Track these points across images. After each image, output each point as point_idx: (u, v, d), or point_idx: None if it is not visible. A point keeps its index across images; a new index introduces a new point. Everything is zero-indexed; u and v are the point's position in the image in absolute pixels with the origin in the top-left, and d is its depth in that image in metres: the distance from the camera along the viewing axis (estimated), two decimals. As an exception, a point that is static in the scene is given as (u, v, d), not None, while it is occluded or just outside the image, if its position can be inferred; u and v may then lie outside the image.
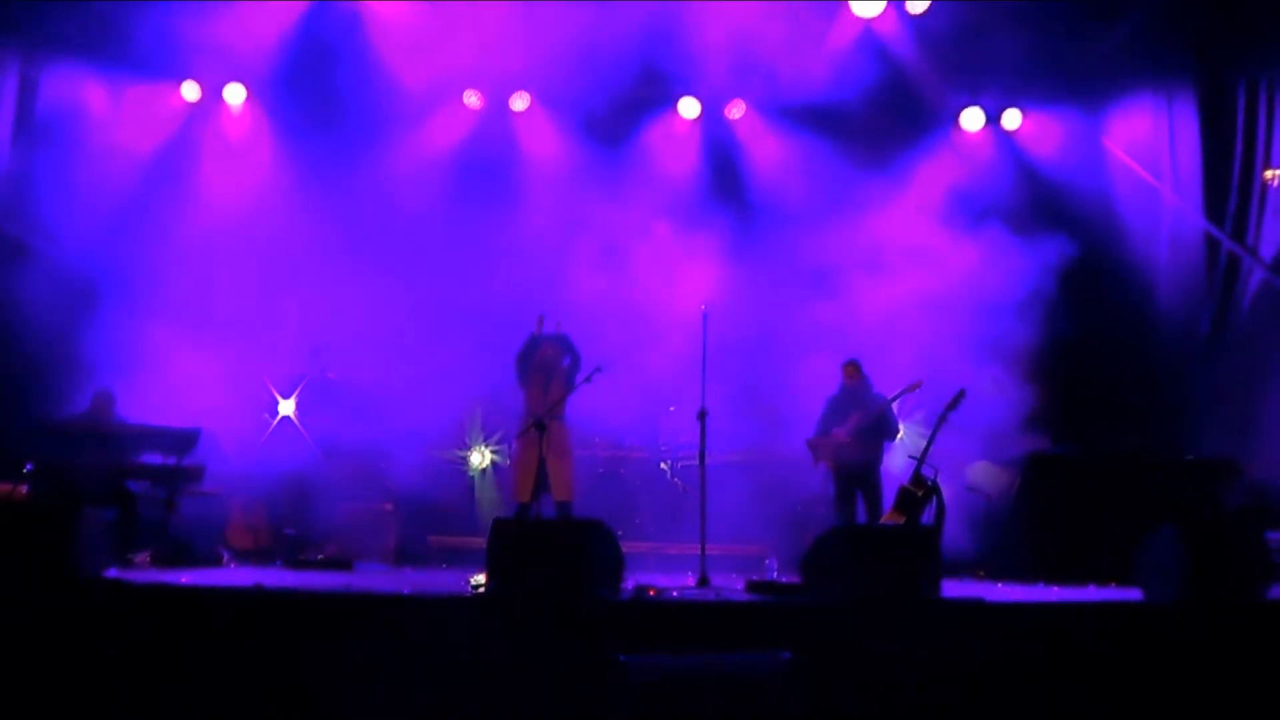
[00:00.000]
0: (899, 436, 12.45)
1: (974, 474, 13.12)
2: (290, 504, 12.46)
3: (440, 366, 13.48)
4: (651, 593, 8.95)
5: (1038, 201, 14.14)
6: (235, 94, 14.55)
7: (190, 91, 14.40)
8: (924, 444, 11.42)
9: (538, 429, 10.74)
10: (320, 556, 12.01)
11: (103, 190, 13.58)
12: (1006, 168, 14.60)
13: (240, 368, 13.02)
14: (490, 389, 13.44)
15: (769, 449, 13.60)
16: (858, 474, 12.09)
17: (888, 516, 11.26)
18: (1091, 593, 10.28)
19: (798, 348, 13.42)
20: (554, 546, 8.51)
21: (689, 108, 14.87)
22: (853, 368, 12.38)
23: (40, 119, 13.60)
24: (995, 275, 13.57)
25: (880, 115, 14.64)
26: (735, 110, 15.00)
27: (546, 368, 11.63)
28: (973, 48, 13.97)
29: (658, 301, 13.71)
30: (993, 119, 14.71)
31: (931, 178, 14.49)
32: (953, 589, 9.11)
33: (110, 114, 13.96)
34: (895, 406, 12.18)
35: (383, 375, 13.26)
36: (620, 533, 9.08)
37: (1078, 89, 14.25)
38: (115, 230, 13.53)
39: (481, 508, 13.88)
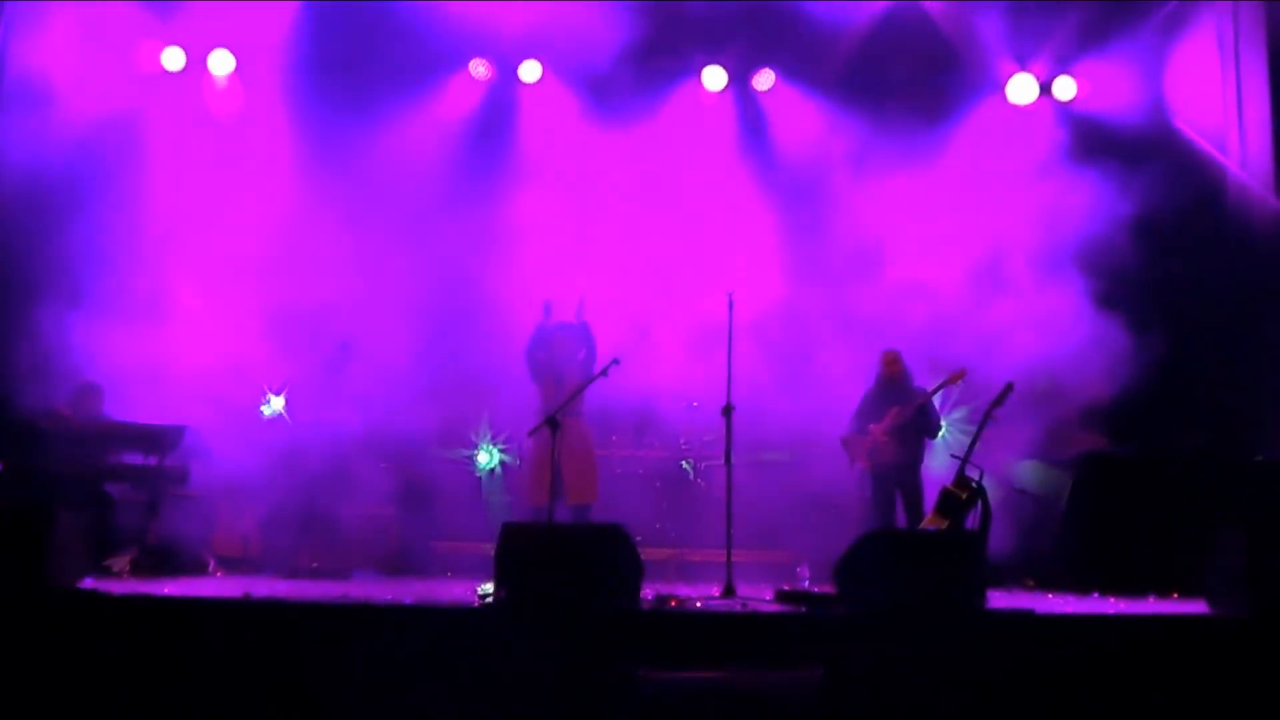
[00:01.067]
0: (941, 434, 12.40)
1: (1023, 474, 13.06)
2: (283, 508, 12.44)
3: (446, 358, 13.47)
4: (673, 603, 8.92)
5: (1091, 178, 13.98)
6: (221, 62, 14.44)
7: (173, 60, 14.30)
8: (968, 442, 11.37)
9: (550, 427, 10.71)
10: (315, 564, 11.98)
11: (74, 155, 13.42)
12: (1058, 139, 14.43)
13: (228, 360, 12.97)
14: (500, 382, 13.41)
15: (800, 447, 13.54)
16: (896, 474, 12.06)
17: (929, 520, 11.22)
18: (1151, 605, 10.20)
19: (832, 337, 13.35)
20: (568, 553, 8.48)
21: (714, 78, 14.76)
22: (892, 358, 12.33)
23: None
24: (1046, 259, 13.48)
25: (922, 85, 14.56)
26: (764, 80, 14.91)
27: (560, 361, 11.64)
28: (1022, 8, 13.89)
29: (680, 287, 13.66)
30: (1044, 87, 14.56)
31: (978, 151, 14.33)
32: (1000, 600, 9.08)
33: (86, 66, 13.76)
34: (936, 400, 12.12)
35: (383, 367, 13.22)
36: (639, 538, 9.04)
37: (1136, 48, 14.09)
38: (84, 207, 13.37)
39: (490, 511, 13.84)
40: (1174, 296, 13.53)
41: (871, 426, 12.16)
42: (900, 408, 12.03)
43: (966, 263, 13.63)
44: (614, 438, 13.94)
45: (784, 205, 14.46)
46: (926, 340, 13.05)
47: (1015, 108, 14.59)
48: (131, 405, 12.12)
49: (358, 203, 13.89)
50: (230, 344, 13.00)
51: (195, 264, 13.44)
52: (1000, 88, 14.58)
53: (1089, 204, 13.51)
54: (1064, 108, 14.57)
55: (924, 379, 12.32)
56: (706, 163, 14.60)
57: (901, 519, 12.05)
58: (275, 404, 12.90)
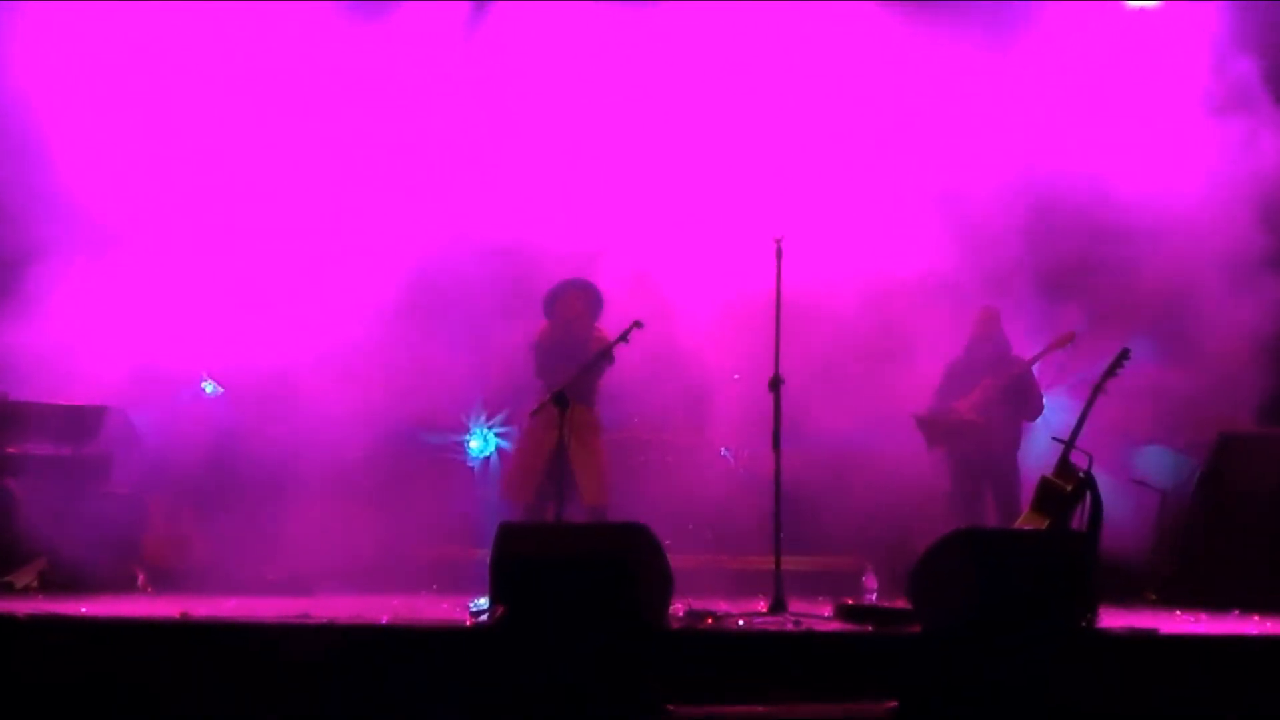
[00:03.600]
0: (1042, 412, 12.35)
1: (1143, 461, 13.03)
2: (228, 506, 12.47)
3: (433, 323, 13.47)
4: (709, 621, 8.94)
5: (1236, 93, 13.80)
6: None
7: None
8: (1074, 421, 11.31)
9: (557, 404, 10.66)
10: (269, 575, 12.02)
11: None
12: (1196, 44, 14.19)
13: (162, 323, 12.97)
14: (497, 351, 13.42)
15: (867, 428, 13.53)
16: (986, 462, 12.04)
17: (1025, 519, 11.17)
18: (1305, 623, 10.19)
19: (908, 291, 13.28)
20: (580, 560, 8.48)
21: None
22: (986, 317, 12.27)
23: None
24: (1176, 200, 13.35)
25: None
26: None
27: (574, 338, 11.61)
28: None
29: (717, 233, 13.61)
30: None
31: (1093, 58, 14.12)
32: (1114, 618, 9.05)
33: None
34: (1037, 370, 12.07)
35: (356, 332, 13.21)
36: (667, 541, 9.03)
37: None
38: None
39: (485, 509, 13.88)
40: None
41: (957, 403, 12.13)
42: (993, 379, 12.00)
43: (1079, 203, 13.49)
44: (636, 419, 13.95)
45: (845, 130, 14.32)
46: (1029, 295, 12.99)
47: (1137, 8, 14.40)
48: (40, 380, 12.13)
49: (317, 132, 13.85)
50: (163, 305, 13.00)
51: (121, 207, 13.38)
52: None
53: (1234, 135, 13.34)
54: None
55: (1025, 345, 12.26)
56: (747, 78, 14.47)
57: (991, 516, 12.02)
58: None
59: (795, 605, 9.86)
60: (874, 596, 10.72)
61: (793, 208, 12.85)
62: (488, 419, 14.40)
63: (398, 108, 14.14)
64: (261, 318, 12.90)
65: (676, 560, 8.92)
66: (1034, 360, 12.05)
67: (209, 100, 13.70)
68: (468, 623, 8.80)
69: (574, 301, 11.76)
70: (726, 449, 14.16)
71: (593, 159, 13.93)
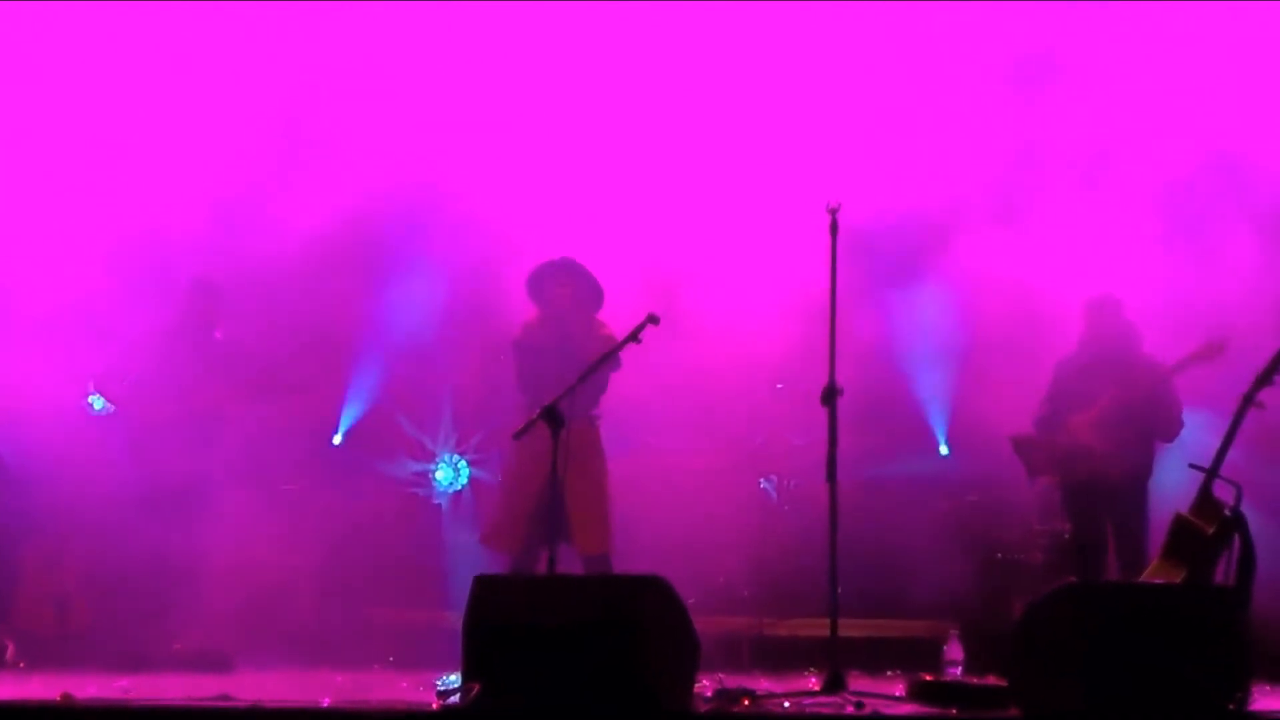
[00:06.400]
0: (1180, 432, 12.27)
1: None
2: (123, 558, 12.45)
3: (392, 331, 13.50)
4: (745, 703, 8.90)
5: None
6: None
7: None
8: (1218, 444, 11.24)
9: (549, 423, 10.56)
10: (177, 646, 12.00)
11: None
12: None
13: (38, 332, 13.00)
14: (471, 366, 13.45)
15: (947, 453, 13.50)
16: (1106, 495, 11.97)
17: (1155, 569, 11.10)
18: None
19: (1000, 276, 13.23)
20: (578, 623, 8.44)
21: None
22: (1106, 311, 12.20)
23: None
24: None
25: None
26: None
27: (569, 337, 11.56)
28: None
29: (756, 202, 13.58)
30: None
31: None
32: (1272, 698, 9.01)
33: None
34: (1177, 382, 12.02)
35: (295, 339, 13.21)
36: (691, 600, 9.02)
37: None
38: None
39: (454, 558, 13.89)
40: None
41: (1071, 418, 12.04)
42: (1119, 390, 11.91)
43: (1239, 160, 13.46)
44: (651, 440, 13.92)
45: (915, 68, 14.30)
46: (1165, 278, 12.97)
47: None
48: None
49: (251, 82, 13.93)
50: (40, 309, 13.04)
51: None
52: None
53: None
54: None
55: (1161, 347, 12.20)
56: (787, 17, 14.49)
57: (1112, 565, 11.97)
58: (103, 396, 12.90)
59: (857, 683, 9.81)
60: (959, 671, 10.69)
61: (853, 171, 12.81)
62: (458, 444, 14.39)
63: (395, 80, 14.26)
64: (163, 315, 12.90)
65: (703, 624, 8.90)
66: (1175, 368, 11.93)
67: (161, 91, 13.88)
68: (434, 705, 8.77)
69: (568, 287, 11.65)
70: (767, 479, 14.15)
71: (599, 136, 13.99)
